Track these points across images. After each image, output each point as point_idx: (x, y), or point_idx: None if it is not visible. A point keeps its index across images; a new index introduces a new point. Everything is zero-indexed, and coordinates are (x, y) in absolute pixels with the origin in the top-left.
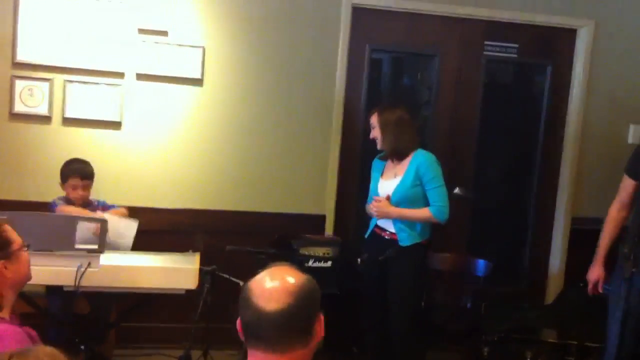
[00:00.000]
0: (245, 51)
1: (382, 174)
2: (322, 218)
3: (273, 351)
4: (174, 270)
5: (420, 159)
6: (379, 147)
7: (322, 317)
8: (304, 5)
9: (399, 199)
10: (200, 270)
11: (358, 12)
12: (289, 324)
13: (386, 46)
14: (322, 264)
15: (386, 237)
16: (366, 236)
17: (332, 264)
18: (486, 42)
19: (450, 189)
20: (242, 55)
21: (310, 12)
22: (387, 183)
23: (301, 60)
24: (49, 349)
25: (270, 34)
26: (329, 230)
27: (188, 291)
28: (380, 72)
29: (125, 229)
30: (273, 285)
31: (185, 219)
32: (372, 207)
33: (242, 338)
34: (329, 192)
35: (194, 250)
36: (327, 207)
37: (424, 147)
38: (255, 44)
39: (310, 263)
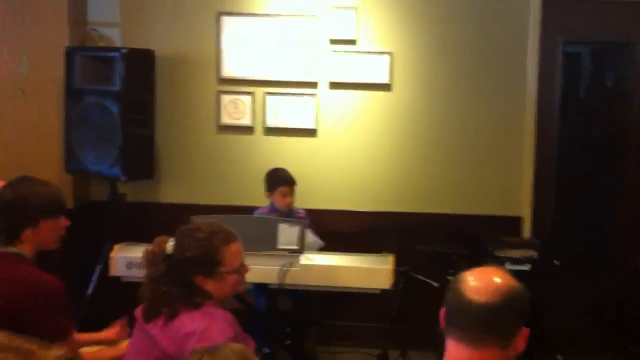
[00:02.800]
0: (431, 54)
1: None
2: (518, 220)
3: (465, 342)
4: (369, 270)
5: None
6: None
7: (525, 331)
8: (490, 1)
9: None
10: (394, 270)
11: (548, 3)
12: (487, 320)
13: (581, 38)
14: (519, 267)
15: None
16: None
17: (530, 268)
18: None
19: None
20: (428, 58)
21: (497, 7)
22: None
23: (490, 59)
24: (237, 347)
25: (456, 34)
26: (525, 232)
27: (383, 291)
28: (579, 66)
29: (309, 245)
30: (485, 279)
31: (378, 221)
32: None
33: (443, 325)
34: (524, 192)
35: (388, 252)
36: (524, 209)
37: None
38: (441, 45)
39: (506, 266)
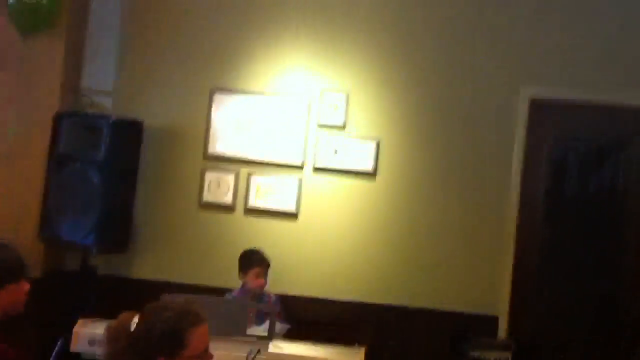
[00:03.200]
0: (418, 145)
1: None
2: (495, 319)
3: None
4: None
5: None
6: None
7: None
8: (478, 100)
9: None
10: None
11: (536, 106)
12: None
13: (569, 142)
14: None
15: None
16: None
17: None
18: None
19: None
20: (415, 149)
21: (485, 105)
22: None
23: (475, 156)
24: None
25: (443, 128)
26: (502, 332)
27: None
28: (565, 168)
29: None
30: None
31: (354, 311)
32: None
33: None
34: (503, 291)
35: (360, 345)
36: (501, 307)
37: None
38: (428, 137)
39: None
